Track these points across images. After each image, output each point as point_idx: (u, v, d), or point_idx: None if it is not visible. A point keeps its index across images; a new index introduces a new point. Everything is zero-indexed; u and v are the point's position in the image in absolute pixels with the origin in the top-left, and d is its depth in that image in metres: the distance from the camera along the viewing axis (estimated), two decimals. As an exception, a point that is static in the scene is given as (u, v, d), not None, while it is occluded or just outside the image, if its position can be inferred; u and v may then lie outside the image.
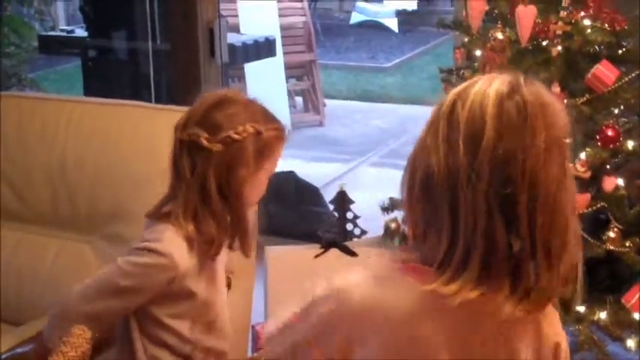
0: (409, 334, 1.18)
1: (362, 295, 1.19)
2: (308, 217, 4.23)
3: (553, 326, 1.28)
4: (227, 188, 1.77)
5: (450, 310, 1.13)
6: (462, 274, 1.11)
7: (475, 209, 1.09)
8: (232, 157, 1.76)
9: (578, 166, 2.53)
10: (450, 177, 1.11)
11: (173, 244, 1.76)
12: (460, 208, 1.10)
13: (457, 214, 1.11)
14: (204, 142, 1.75)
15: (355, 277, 1.22)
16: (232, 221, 1.81)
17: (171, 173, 1.81)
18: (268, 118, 1.85)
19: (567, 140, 1.15)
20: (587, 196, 2.57)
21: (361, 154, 6.38)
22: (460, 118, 1.12)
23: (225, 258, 1.96)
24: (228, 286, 2.53)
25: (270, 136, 1.82)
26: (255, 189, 1.85)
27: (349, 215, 3.09)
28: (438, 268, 1.14)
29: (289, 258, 2.70)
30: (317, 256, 2.68)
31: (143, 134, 2.42)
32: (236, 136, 1.76)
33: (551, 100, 1.15)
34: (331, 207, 3.17)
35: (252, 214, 1.94)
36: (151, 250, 1.76)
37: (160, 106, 2.79)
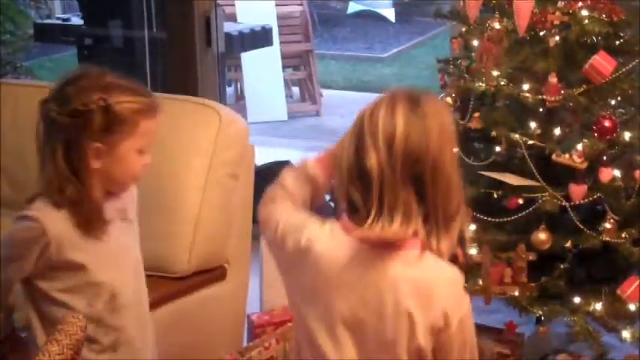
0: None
1: (321, 248, 1.57)
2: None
3: (446, 292, 1.50)
4: (76, 161, 1.77)
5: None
6: (392, 226, 1.48)
7: (395, 185, 1.48)
8: (78, 129, 1.76)
9: (575, 157, 2.52)
10: (378, 167, 1.49)
11: (42, 210, 1.78)
12: (385, 184, 1.48)
13: (383, 189, 1.48)
14: (54, 115, 1.76)
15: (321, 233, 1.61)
16: (80, 194, 1.78)
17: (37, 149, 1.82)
18: (126, 91, 1.82)
19: (453, 131, 1.57)
20: (584, 187, 2.56)
21: (357, 145, 6.36)
22: (379, 129, 1.51)
23: (133, 233, 1.94)
24: (223, 276, 2.53)
25: (125, 108, 1.78)
26: (121, 165, 1.81)
27: (345, 205, 3.07)
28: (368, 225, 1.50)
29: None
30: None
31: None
32: (81, 107, 1.75)
33: (440, 103, 1.61)
34: (327, 197, 3.15)
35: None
36: (21, 217, 1.79)
37: (155, 94, 2.77)
